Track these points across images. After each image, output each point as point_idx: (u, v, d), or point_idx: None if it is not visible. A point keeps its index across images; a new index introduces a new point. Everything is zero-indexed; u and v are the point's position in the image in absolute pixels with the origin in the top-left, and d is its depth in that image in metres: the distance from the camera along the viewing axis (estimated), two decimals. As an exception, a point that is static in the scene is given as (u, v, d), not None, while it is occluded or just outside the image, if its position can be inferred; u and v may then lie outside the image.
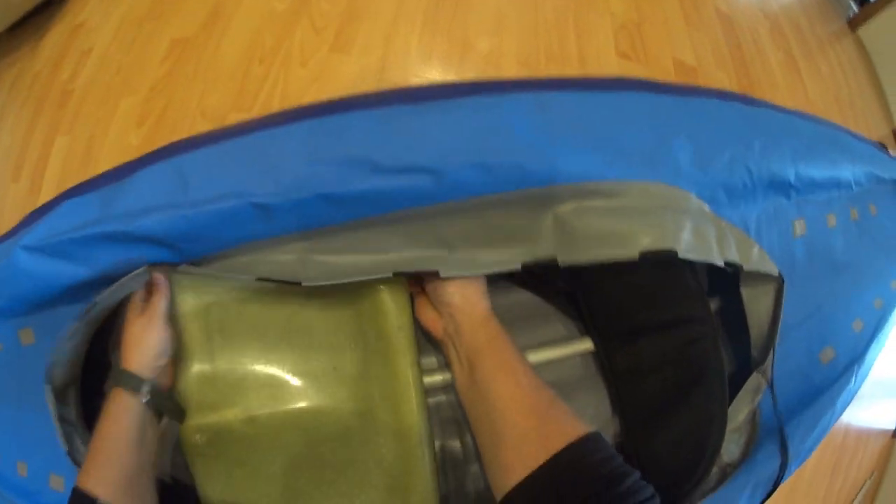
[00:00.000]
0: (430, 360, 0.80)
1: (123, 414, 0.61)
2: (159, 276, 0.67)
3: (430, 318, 0.69)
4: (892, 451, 2.64)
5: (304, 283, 0.63)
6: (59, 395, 0.68)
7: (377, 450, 0.72)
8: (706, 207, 0.71)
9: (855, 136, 1.14)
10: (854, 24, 3.02)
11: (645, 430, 0.76)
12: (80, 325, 0.67)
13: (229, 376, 0.72)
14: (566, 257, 0.65)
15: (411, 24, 1.54)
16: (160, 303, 0.66)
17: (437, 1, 1.58)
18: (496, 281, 0.83)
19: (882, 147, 1.28)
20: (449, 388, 0.80)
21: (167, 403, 0.68)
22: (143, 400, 0.63)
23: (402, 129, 0.60)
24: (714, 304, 0.84)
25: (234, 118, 1.37)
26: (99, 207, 0.62)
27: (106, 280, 0.64)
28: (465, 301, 0.65)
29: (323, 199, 0.60)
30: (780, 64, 2.27)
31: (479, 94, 0.63)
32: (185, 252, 0.64)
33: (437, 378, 0.78)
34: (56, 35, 1.73)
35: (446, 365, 0.74)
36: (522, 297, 0.86)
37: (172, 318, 0.69)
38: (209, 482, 0.72)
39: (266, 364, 0.73)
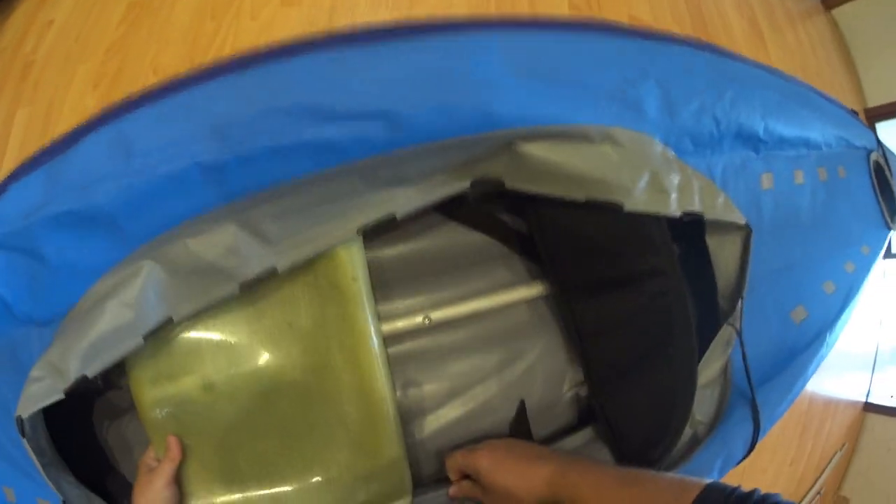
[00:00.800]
0: (389, 307, 0.78)
1: None
2: (173, 441, 0.66)
3: None
4: (863, 424, 2.70)
5: (279, 269, 0.61)
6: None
7: (339, 407, 0.70)
8: (671, 154, 0.69)
9: (828, 98, 1.14)
10: (829, 3, 3.04)
11: (613, 388, 0.74)
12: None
13: (183, 343, 0.67)
14: (514, 183, 0.65)
15: None
16: (167, 466, 0.65)
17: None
18: (447, 222, 0.82)
19: (854, 114, 1.29)
20: (408, 334, 0.78)
21: None
22: None
23: (353, 73, 0.56)
24: (678, 256, 0.82)
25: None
26: (45, 187, 0.57)
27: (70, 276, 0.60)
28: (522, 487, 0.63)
29: (273, 152, 0.56)
30: (742, 32, 2.31)
31: (435, 34, 0.60)
32: (129, 235, 0.59)
33: (397, 325, 0.76)
34: (22, 11, 1.72)
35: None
36: (476, 239, 0.84)
37: None
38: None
39: (218, 326, 0.69)
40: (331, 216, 0.63)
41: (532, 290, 0.80)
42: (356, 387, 0.69)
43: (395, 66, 0.57)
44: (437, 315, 0.77)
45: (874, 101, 2.88)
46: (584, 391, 0.82)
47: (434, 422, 0.80)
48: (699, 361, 0.75)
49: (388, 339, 0.72)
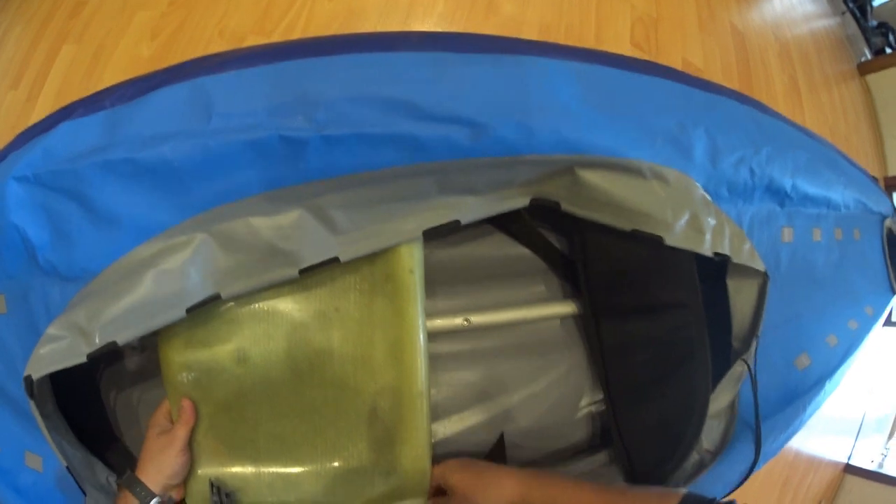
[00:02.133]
0: (432, 305, 0.81)
1: None
2: (188, 405, 0.66)
3: None
4: (842, 484, 2.73)
5: (341, 260, 0.62)
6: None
7: (372, 399, 0.70)
8: (709, 198, 0.74)
9: (852, 163, 1.19)
10: (864, 69, 3.08)
11: (629, 406, 0.80)
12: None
13: (224, 312, 0.66)
14: (569, 206, 0.69)
15: None
16: (182, 431, 0.65)
17: (473, -44, 1.58)
18: (494, 232, 0.86)
19: (874, 180, 1.34)
20: (444, 335, 0.82)
21: None
22: None
23: (449, 77, 0.57)
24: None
25: (253, 41, 1.38)
26: (103, 131, 0.54)
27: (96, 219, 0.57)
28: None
29: (360, 139, 0.56)
30: (783, 86, 2.36)
31: (525, 53, 0.63)
32: (192, 197, 0.57)
33: (437, 322, 0.79)
34: None
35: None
36: (520, 252, 0.88)
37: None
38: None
39: (264, 300, 0.67)
40: (400, 214, 0.64)
41: (567, 308, 0.85)
42: (393, 381, 0.69)
43: (488, 79, 0.59)
44: (477, 319, 0.80)
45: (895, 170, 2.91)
46: (600, 410, 0.87)
47: (456, 424, 0.83)
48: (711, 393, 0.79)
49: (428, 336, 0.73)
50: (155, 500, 0.62)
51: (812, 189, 0.97)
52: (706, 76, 1.94)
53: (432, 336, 0.78)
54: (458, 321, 0.80)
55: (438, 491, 0.71)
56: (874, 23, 3.25)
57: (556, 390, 0.86)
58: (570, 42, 1.64)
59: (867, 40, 3.24)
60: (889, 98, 3.01)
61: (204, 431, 0.68)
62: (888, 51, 3.16)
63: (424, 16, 1.50)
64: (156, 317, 0.57)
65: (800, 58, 2.56)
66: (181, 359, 0.65)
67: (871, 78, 3.06)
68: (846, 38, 3.18)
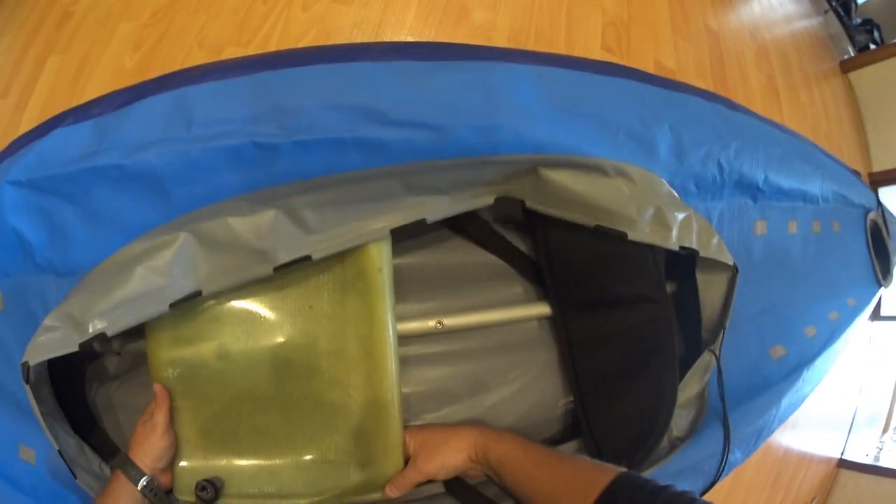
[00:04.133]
0: (404, 309, 0.83)
1: (122, 497, 0.65)
2: (159, 389, 0.69)
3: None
4: (836, 479, 2.74)
5: (313, 258, 0.65)
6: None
7: (347, 392, 0.72)
8: (675, 194, 0.75)
9: (831, 157, 1.20)
10: (847, 66, 3.11)
11: (598, 400, 0.81)
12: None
13: (206, 311, 0.70)
14: (534, 203, 0.71)
15: None
16: (160, 416, 0.68)
17: (442, -34, 1.62)
18: (460, 239, 0.88)
19: (856, 173, 1.35)
20: (418, 338, 0.83)
21: (162, 501, 0.70)
22: (139, 487, 0.66)
23: (411, 84, 0.61)
24: (670, 288, 0.90)
25: (230, 52, 1.43)
26: (93, 138, 0.58)
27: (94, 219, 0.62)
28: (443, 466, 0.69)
29: (328, 144, 0.59)
30: (759, 86, 2.38)
31: (486, 59, 0.66)
32: (174, 200, 0.61)
33: (411, 326, 0.81)
34: None
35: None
36: (489, 259, 0.89)
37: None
38: (173, 420, 0.71)
39: (243, 300, 0.72)
40: (367, 214, 0.67)
41: (538, 310, 0.86)
42: (366, 373, 0.72)
43: (448, 84, 0.62)
44: (449, 321, 0.82)
45: (880, 165, 2.93)
46: (573, 406, 0.87)
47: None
48: (680, 383, 0.80)
49: (400, 340, 0.75)
50: (145, 478, 0.66)
51: (786, 182, 0.98)
52: (679, 77, 1.96)
53: (407, 339, 0.82)
54: (431, 324, 0.81)
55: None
56: (858, 20, 3.29)
57: (531, 391, 0.87)
58: (540, 48, 1.66)
59: (851, 38, 3.29)
60: (872, 94, 3.05)
61: (189, 425, 0.71)
62: (872, 47, 3.18)
63: (396, 25, 1.55)
64: (143, 310, 0.61)
65: (778, 58, 2.59)
66: (167, 356, 0.69)
67: (854, 75, 3.09)
68: (829, 37, 3.22)
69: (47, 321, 0.60)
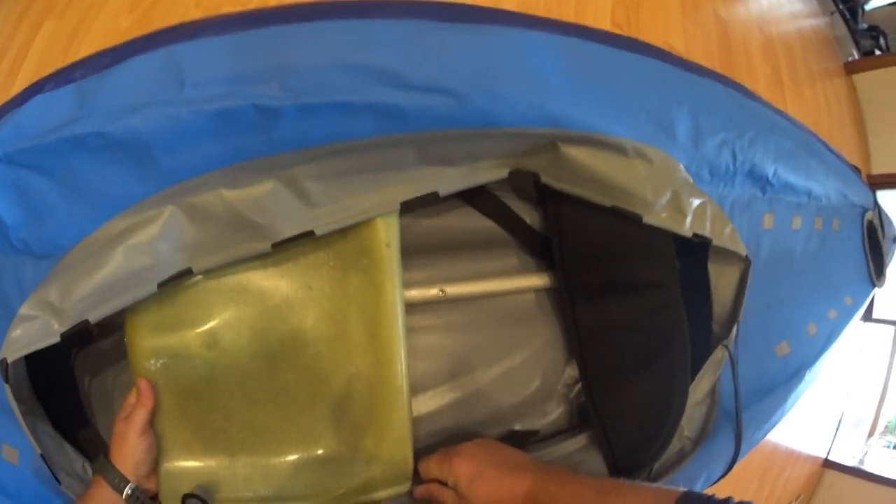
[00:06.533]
0: (407, 276, 0.75)
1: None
2: (144, 385, 0.63)
3: None
4: (821, 479, 2.77)
5: (316, 233, 0.61)
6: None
7: (349, 380, 0.67)
8: (691, 180, 0.74)
9: (836, 153, 1.20)
10: (851, 68, 3.12)
11: (608, 391, 0.78)
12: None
13: (192, 293, 0.64)
14: (549, 179, 0.68)
15: None
16: (139, 414, 0.61)
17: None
18: (465, 206, 0.84)
19: (857, 171, 1.35)
20: (418, 307, 0.79)
21: None
22: (124, 497, 0.60)
23: (430, 46, 0.56)
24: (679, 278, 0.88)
25: (229, 10, 1.37)
26: (74, 103, 0.52)
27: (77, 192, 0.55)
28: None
29: (337, 108, 0.53)
30: (765, 77, 2.39)
31: (509, 25, 0.61)
32: (162, 171, 0.55)
33: (412, 293, 0.76)
34: None
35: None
36: (491, 226, 0.86)
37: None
38: (156, 418, 0.65)
39: (234, 279, 0.65)
40: (376, 185, 0.63)
41: (541, 280, 0.84)
42: (371, 359, 0.67)
43: (471, 49, 0.57)
44: (452, 289, 0.78)
45: (879, 168, 2.95)
46: (577, 389, 0.86)
47: (431, 401, 0.81)
48: (692, 378, 0.79)
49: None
50: (130, 486, 0.60)
51: (794, 177, 0.97)
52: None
53: (408, 307, 0.75)
54: (433, 292, 0.78)
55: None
56: (865, 26, 3.29)
57: (533, 365, 0.85)
58: (548, 14, 1.65)
59: (856, 42, 3.29)
60: (875, 98, 3.06)
61: (174, 422, 0.65)
62: (877, 53, 3.19)
63: None
64: (128, 292, 0.56)
65: (784, 52, 2.59)
66: (148, 344, 0.63)
67: (858, 77, 3.10)
68: (834, 38, 3.23)
69: (24, 310, 0.55)
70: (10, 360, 0.55)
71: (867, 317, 2.81)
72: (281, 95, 0.52)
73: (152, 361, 0.63)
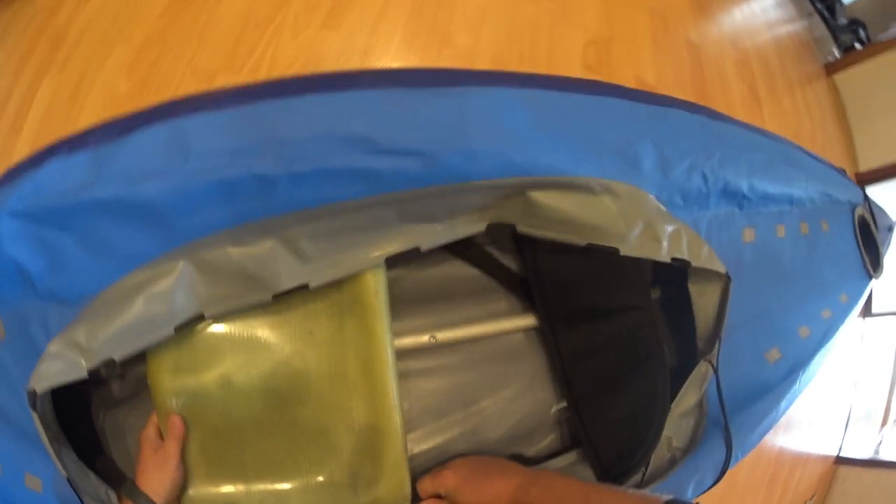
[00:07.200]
0: (398, 326, 0.84)
1: None
2: (176, 419, 0.69)
3: None
4: (835, 476, 2.75)
5: (311, 286, 0.67)
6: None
7: (348, 414, 0.74)
8: (663, 208, 0.77)
9: (814, 157, 1.22)
10: (832, 69, 3.13)
11: (593, 407, 0.83)
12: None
13: (208, 340, 0.71)
14: (525, 228, 0.73)
15: (399, 11, 1.64)
16: (174, 447, 0.68)
17: (426, -8, 1.67)
18: (450, 258, 0.90)
19: (842, 171, 1.37)
20: (413, 352, 0.86)
21: None
22: None
23: (400, 112, 0.61)
24: (662, 300, 0.93)
25: (222, 79, 1.45)
26: (91, 169, 0.57)
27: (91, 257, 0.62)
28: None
29: (323, 174, 0.60)
30: (741, 95, 2.42)
31: (471, 84, 0.66)
32: (174, 231, 0.61)
33: (405, 341, 0.83)
34: None
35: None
36: (476, 273, 0.92)
37: None
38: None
39: (243, 327, 0.73)
40: (363, 243, 0.69)
41: (526, 321, 0.89)
42: (366, 394, 0.74)
43: (435, 111, 0.62)
44: (442, 335, 0.84)
45: (867, 164, 2.96)
46: (568, 414, 0.89)
47: (430, 437, 0.87)
48: (677, 393, 0.82)
49: (396, 355, 0.77)
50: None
51: (771, 188, 1.00)
52: (659, 91, 1.99)
53: (402, 354, 0.82)
54: (424, 339, 0.84)
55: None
56: (844, 21, 3.31)
57: (524, 398, 0.90)
58: (523, 68, 1.68)
59: (836, 39, 3.30)
60: (858, 95, 3.07)
61: (195, 453, 0.72)
62: (858, 47, 3.20)
63: (382, 51, 1.58)
64: (149, 334, 0.62)
65: (760, 65, 2.62)
66: (170, 385, 0.70)
67: (839, 77, 3.12)
68: (813, 41, 3.25)
69: (52, 348, 0.60)
70: (39, 391, 0.59)
71: (866, 312, 2.81)
72: (274, 165, 0.58)
73: (174, 400, 0.71)
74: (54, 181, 0.58)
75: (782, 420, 1.06)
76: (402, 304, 0.85)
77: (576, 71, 1.82)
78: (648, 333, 0.80)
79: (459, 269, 0.91)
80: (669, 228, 0.74)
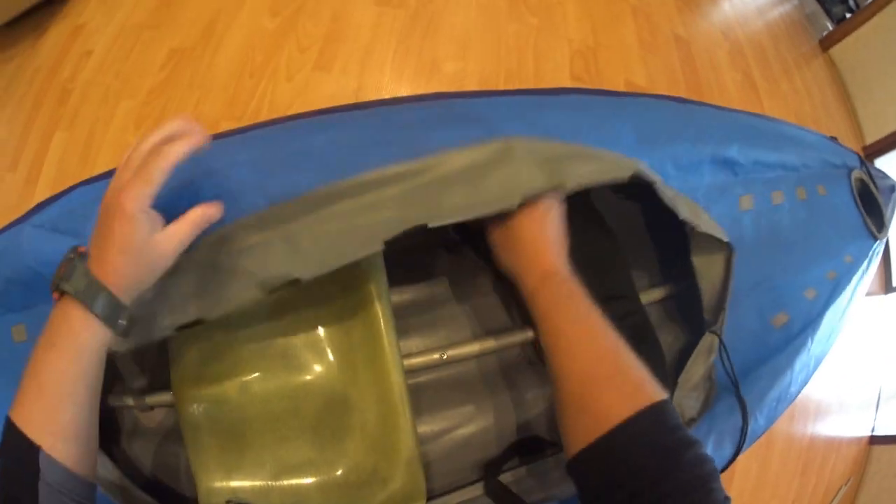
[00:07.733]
0: (408, 345, 0.91)
1: (86, 350, 0.46)
2: (210, 207, 0.51)
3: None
4: (869, 456, 2.69)
5: (302, 280, 0.64)
6: None
7: (361, 415, 0.77)
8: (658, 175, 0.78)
9: (804, 129, 1.22)
10: (826, 43, 3.11)
11: None
12: None
13: (226, 351, 0.76)
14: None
15: (386, 46, 1.73)
16: (185, 229, 0.48)
17: (410, 26, 1.76)
18: (458, 276, 0.96)
19: (833, 139, 1.36)
20: (424, 369, 0.89)
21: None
22: (116, 332, 0.46)
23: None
24: (665, 292, 0.98)
25: (225, 125, 1.50)
26: None
27: None
28: (524, 263, 0.63)
29: None
30: (736, 85, 2.40)
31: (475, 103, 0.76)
32: None
33: (415, 361, 0.86)
34: (56, 34, 1.82)
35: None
36: (483, 289, 0.98)
37: None
38: (202, 457, 0.74)
39: (260, 339, 0.77)
40: (362, 228, 0.66)
41: (529, 334, 0.91)
42: (377, 394, 0.76)
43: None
44: (452, 353, 0.87)
45: (872, 137, 2.91)
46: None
47: (444, 444, 0.90)
48: (683, 368, 0.83)
49: (407, 373, 0.78)
50: (125, 318, 0.46)
51: (763, 154, 1.00)
52: (651, 91, 1.98)
53: (414, 371, 0.87)
54: (435, 357, 0.87)
55: None
56: (834, -8, 3.28)
57: (530, 407, 0.94)
58: (511, 86, 1.75)
59: (828, 13, 3.30)
60: (856, 65, 3.04)
61: (215, 462, 0.75)
62: (849, 16, 3.15)
63: (374, 88, 1.67)
64: (150, 333, 0.61)
65: (753, 52, 2.61)
66: (191, 394, 0.74)
67: (835, 50, 3.09)
68: (805, 18, 3.24)
69: None
70: None
71: (888, 287, 2.76)
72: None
73: (195, 406, 0.74)
74: (78, 200, 0.64)
75: (812, 407, 1.02)
76: (412, 325, 0.92)
77: (564, 83, 1.86)
78: (638, 319, 0.83)
79: (465, 285, 0.97)
80: (669, 192, 0.75)
